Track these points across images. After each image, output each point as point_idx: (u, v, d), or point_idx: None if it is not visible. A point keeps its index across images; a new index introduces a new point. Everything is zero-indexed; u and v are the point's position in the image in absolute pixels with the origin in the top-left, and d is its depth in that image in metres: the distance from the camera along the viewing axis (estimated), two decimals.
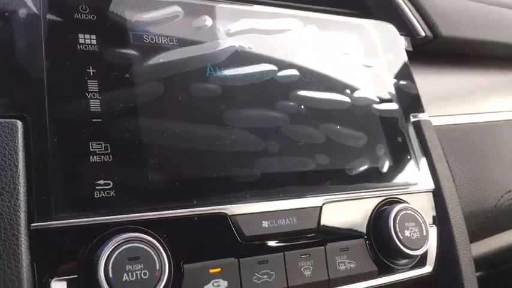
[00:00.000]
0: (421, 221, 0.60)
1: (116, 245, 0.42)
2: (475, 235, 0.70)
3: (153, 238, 0.44)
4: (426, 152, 0.68)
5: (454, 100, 0.85)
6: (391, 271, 0.59)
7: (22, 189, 0.42)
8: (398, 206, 0.59)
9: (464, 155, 0.74)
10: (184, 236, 0.48)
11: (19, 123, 0.44)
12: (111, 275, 0.41)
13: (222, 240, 0.50)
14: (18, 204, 0.41)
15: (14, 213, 0.41)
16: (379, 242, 0.58)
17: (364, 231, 0.59)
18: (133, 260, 0.42)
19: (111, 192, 0.45)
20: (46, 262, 0.42)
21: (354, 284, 0.56)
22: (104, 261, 0.41)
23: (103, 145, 0.46)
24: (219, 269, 0.48)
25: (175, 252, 0.46)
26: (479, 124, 0.81)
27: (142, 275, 0.42)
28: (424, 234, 0.59)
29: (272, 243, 0.52)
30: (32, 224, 0.42)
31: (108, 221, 0.44)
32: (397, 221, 0.58)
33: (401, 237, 0.58)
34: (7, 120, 0.43)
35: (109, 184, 0.45)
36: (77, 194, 0.44)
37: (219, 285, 0.48)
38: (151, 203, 0.47)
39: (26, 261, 0.40)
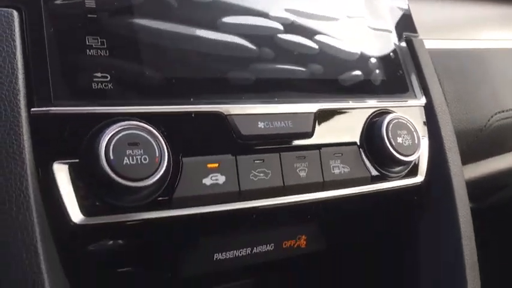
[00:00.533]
0: (413, 130, 0.61)
1: (115, 130, 0.43)
2: (465, 154, 0.72)
3: (151, 127, 0.45)
4: (418, 68, 0.69)
5: (446, 27, 0.85)
6: (383, 179, 0.61)
7: (21, 75, 0.42)
8: (391, 115, 0.61)
9: (456, 76, 0.75)
10: (182, 131, 0.49)
11: (15, 13, 0.44)
12: (111, 157, 0.42)
13: (219, 138, 0.51)
14: (17, 88, 0.42)
15: (14, 96, 0.41)
16: (372, 149, 0.60)
17: (358, 139, 0.60)
18: (133, 146, 0.43)
19: (109, 85, 0.46)
20: (47, 146, 0.42)
21: (348, 189, 0.58)
22: (104, 145, 0.42)
23: (99, 40, 0.47)
24: (216, 165, 0.49)
25: (174, 146, 0.47)
26: (471, 50, 0.82)
27: (142, 160, 0.43)
28: (416, 142, 0.61)
29: (268, 143, 0.53)
30: (32, 109, 0.42)
31: (106, 111, 0.45)
32: (390, 128, 0.59)
33: (393, 144, 0.59)
34: (2, 9, 0.43)
35: (106, 77, 0.46)
36: (75, 83, 0.44)
37: (217, 180, 0.49)
38: (149, 97, 0.48)
39: (27, 142, 0.41)
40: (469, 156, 0.79)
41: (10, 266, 0.39)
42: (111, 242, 0.46)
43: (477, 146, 0.79)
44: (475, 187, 0.87)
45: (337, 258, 0.69)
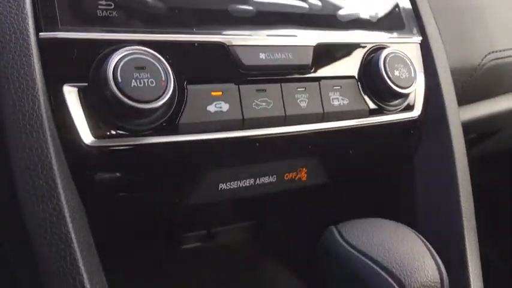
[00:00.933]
0: (409, 64, 0.63)
1: (122, 54, 0.44)
2: (459, 95, 0.73)
3: (157, 53, 0.46)
4: (414, 6, 0.70)
5: None
6: (381, 112, 0.62)
7: (28, 0, 0.43)
8: (388, 49, 0.62)
9: (451, 16, 0.76)
10: (186, 59, 0.50)
11: None
12: (119, 80, 0.43)
13: (222, 68, 0.52)
14: (25, 12, 0.42)
15: (22, 20, 0.42)
16: (370, 83, 0.61)
17: (356, 73, 0.61)
18: (140, 69, 0.44)
19: (114, 13, 0.47)
20: (57, 69, 0.44)
21: (347, 121, 0.60)
22: (112, 68, 0.43)
23: None
24: (220, 93, 0.51)
25: (178, 73, 0.48)
26: None
27: (149, 83, 0.44)
28: (413, 75, 0.62)
29: (269, 74, 0.55)
30: (40, 33, 0.43)
31: (111, 38, 0.46)
32: (387, 62, 0.61)
33: (391, 76, 0.60)
34: None
35: (111, 5, 0.47)
36: (80, 10, 0.45)
37: (221, 107, 0.51)
38: (151, 26, 0.49)
39: (37, 64, 0.42)
40: (463, 98, 0.81)
41: (26, 181, 0.40)
42: (120, 165, 0.47)
43: (471, 87, 0.80)
44: (469, 130, 0.89)
45: (335, 190, 0.71)
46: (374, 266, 0.42)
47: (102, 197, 0.49)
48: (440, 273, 0.43)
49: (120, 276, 0.52)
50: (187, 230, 0.77)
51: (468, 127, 0.82)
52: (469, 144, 0.89)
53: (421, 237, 0.47)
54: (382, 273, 0.42)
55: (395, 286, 0.41)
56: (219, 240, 0.82)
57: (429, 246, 0.45)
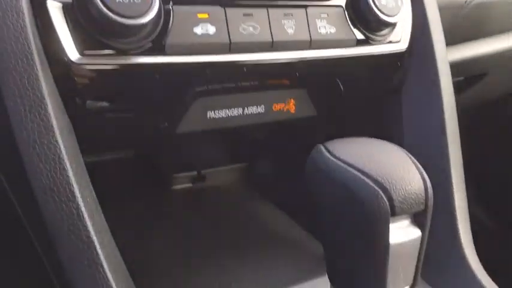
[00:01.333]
0: None
1: None
2: (446, 34, 0.73)
3: None
4: None
5: None
6: (368, 42, 0.62)
7: None
8: None
9: None
10: None
11: None
12: None
13: None
14: None
15: None
16: (357, 12, 0.61)
17: (343, 3, 0.61)
18: None
19: None
20: None
21: (333, 50, 0.60)
22: None
23: None
24: (206, 15, 0.51)
25: None
26: None
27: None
28: (399, 3, 0.62)
29: None
30: None
31: None
32: None
33: (377, 4, 0.60)
34: None
35: None
36: None
37: (207, 29, 0.51)
38: None
39: None
40: (449, 38, 0.81)
41: (13, 92, 0.40)
42: (107, 85, 0.47)
43: (458, 26, 0.80)
44: (456, 71, 0.89)
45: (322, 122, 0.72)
46: (360, 176, 0.43)
47: (89, 118, 0.49)
48: (424, 182, 0.44)
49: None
50: (179, 169, 0.78)
51: (455, 68, 0.82)
52: (457, 87, 0.90)
53: (407, 152, 0.47)
54: (369, 181, 0.42)
55: (382, 194, 0.42)
56: (210, 182, 0.83)
57: (414, 159, 0.46)
